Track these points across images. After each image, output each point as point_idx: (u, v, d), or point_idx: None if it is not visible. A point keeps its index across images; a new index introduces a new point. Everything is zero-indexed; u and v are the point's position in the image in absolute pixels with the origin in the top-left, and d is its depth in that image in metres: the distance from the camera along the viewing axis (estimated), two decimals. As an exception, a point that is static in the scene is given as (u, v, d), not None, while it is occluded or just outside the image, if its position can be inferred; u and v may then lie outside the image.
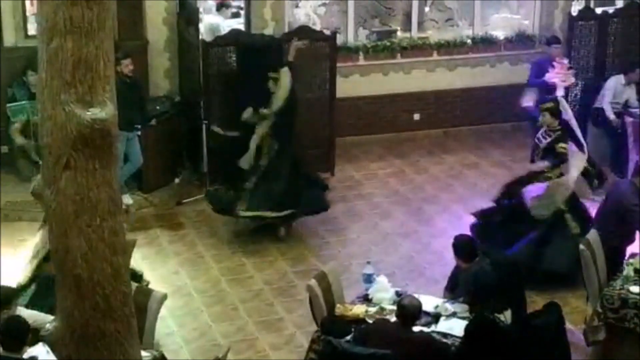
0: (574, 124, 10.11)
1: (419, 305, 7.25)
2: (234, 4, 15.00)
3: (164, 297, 7.71)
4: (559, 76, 11.72)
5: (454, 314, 7.74)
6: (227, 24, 14.23)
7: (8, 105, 11.48)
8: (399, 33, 14.28)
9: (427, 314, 7.70)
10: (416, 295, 7.71)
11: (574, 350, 7.89)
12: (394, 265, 10.11)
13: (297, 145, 11.26)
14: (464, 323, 7.43)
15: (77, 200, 5.43)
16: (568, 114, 10.21)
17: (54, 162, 5.41)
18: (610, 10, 14.29)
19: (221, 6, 14.88)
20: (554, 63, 11.88)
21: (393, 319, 7.36)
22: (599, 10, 14.34)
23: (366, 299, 8.03)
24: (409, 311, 7.15)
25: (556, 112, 9.99)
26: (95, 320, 5.67)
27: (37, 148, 9.09)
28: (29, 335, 6.49)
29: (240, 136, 10.98)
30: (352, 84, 13.50)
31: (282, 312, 9.38)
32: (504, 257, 8.45)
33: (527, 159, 13.11)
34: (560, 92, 11.51)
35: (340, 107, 12.80)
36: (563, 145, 9.78)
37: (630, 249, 8.87)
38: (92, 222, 5.48)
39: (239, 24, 13.96)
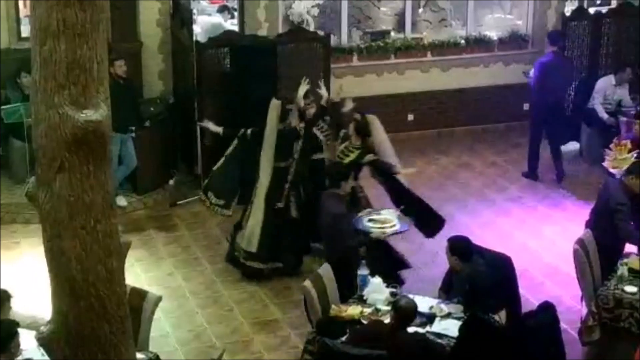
0: None
1: (415, 306, 7.25)
2: (229, 5, 15.00)
3: (159, 298, 7.70)
4: (613, 162, 9.87)
5: (448, 315, 7.74)
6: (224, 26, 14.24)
7: (2, 107, 11.46)
8: (392, 34, 14.29)
9: (421, 314, 7.69)
10: (411, 296, 7.72)
11: (569, 350, 7.89)
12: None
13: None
14: (459, 324, 7.44)
15: (71, 202, 5.42)
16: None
17: (47, 164, 5.41)
18: (604, 10, 14.32)
19: (224, 8, 14.89)
20: (611, 145, 10.07)
21: (388, 319, 7.36)
22: (592, 11, 14.38)
23: (361, 300, 8.04)
24: (405, 312, 7.15)
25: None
26: (89, 322, 5.67)
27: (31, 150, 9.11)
28: (11, 341, 6.48)
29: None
30: (346, 85, 13.47)
31: (277, 313, 9.38)
32: (498, 257, 8.45)
33: (520, 159, 13.23)
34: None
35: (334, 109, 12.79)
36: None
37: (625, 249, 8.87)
38: (86, 224, 5.48)
39: (232, 24, 13.97)
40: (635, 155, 9.30)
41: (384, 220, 8.92)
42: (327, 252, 8.87)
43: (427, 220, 9.53)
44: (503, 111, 14.39)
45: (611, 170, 9.64)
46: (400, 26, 14.29)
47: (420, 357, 7.05)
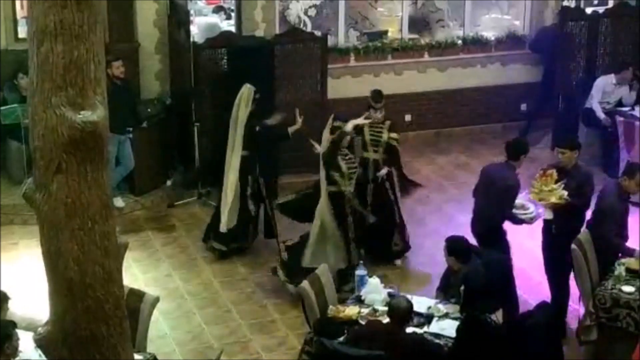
0: None
1: (409, 305, 7.23)
2: (226, 6, 15.02)
3: (157, 299, 7.70)
4: (539, 195, 8.83)
5: (446, 315, 7.74)
6: (220, 26, 14.25)
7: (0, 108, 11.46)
8: (389, 34, 14.29)
9: (419, 314, 7.71)
10: (408, 296, 7.72)
11: (567, 350, 7.90)
12: (386, 267, 10.12)
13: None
14: (457, 324, 7.45)
15: (68, 203, 5.41)
16: None
17: (45, 165, 5.39)
18: (600, 10, 14.33)
19: (220, 9, 14.89)
20: (537, 175, 8.98)
21: (386, 320, 7.36)
22: (589, 11, 14.38)
23: (359, 300, 8.04)
24: (399, 312, 7.14)
25: None
26: (87, 323, 5.65)
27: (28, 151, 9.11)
28: (6, 342, 6.46)
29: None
30: (343, 86, 13.50)
31: (275, 314, 9.37)
32: (495, 257, 8.45)
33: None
34: (546, 216, 8.93)
35: (331, 109, 12.78)
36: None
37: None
38: (83, 225, 5.47)
39: (229, 25, 13.97)
40: (562, 184, 8.74)
41: (521, 205, 9.01)
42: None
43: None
44: (501, 111, 14.41)
45: (537, 202, 8.90)
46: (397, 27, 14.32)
47: (418, 358, 7.05)
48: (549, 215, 8.87)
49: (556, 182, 8.75)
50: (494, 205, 8.88)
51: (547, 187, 8.75)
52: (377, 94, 10.34)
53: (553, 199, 8.71)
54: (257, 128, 10.27)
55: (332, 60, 13.24)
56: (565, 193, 8.71)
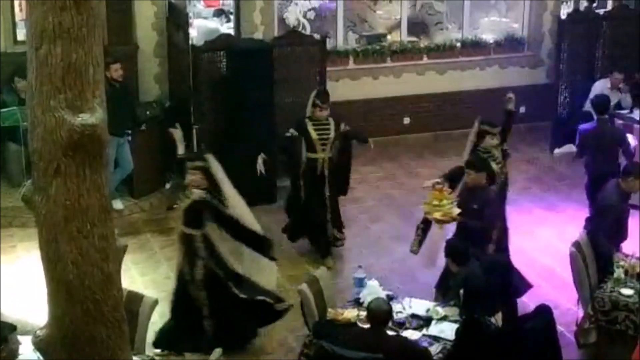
0: None
1: (387, 308, 7.13)
2: (226, 9, 15.02)
3: (156, 302, 7.70)
4: (426, 207, 8.81)
5: (445, 318, 7.74)
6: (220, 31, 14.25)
7: (-2, 110, 11.46)
8: (388, 37, 14.30)
9: (418, 317, 7.72)
10: (408, 299, 7.72)
11: (565, 353, 7.89)
12: (385, 269, 10.11)
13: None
14: (456, 326, 7.44)
15: (67, 206, 5.41)
16: None
17: (44, 168, 5.40)
18: (600, 12, 14.34)
19: (220, 12, 14.89)
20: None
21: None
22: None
23: (358, 303, 8.03)
24: (377, 315, 7.05)
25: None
26: (86, 325, 5.66)
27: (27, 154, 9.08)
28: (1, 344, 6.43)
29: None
30: (342, 88, 13.50)
31: (274, 317, 9.35)
32: (494, 260, 8.45)
33: (516, 162, 13.23)
34: (435, 229, 8.92)
35: (330, 111, 12.79)
36: None
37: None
38: (82, 228, 5.47)
39: (229, 28, 13.97)
40: (455, 202, 8.56)
41: None
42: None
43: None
44: (500, 114, 14.37)
45: (425, 215, 8.87)
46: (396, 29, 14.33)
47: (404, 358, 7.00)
48: (438, 229, 8.77)
49: (457, 195, 8.62)
50: (609, 155, 10.44)
51: (435, 202, 8.58)
52: (492, 123, 9.85)
53: (436, 215, 8.56)
54: (290, 133, 10.40)
55: (331, 62, 13.25)
56: (456, 212, 8.52)
